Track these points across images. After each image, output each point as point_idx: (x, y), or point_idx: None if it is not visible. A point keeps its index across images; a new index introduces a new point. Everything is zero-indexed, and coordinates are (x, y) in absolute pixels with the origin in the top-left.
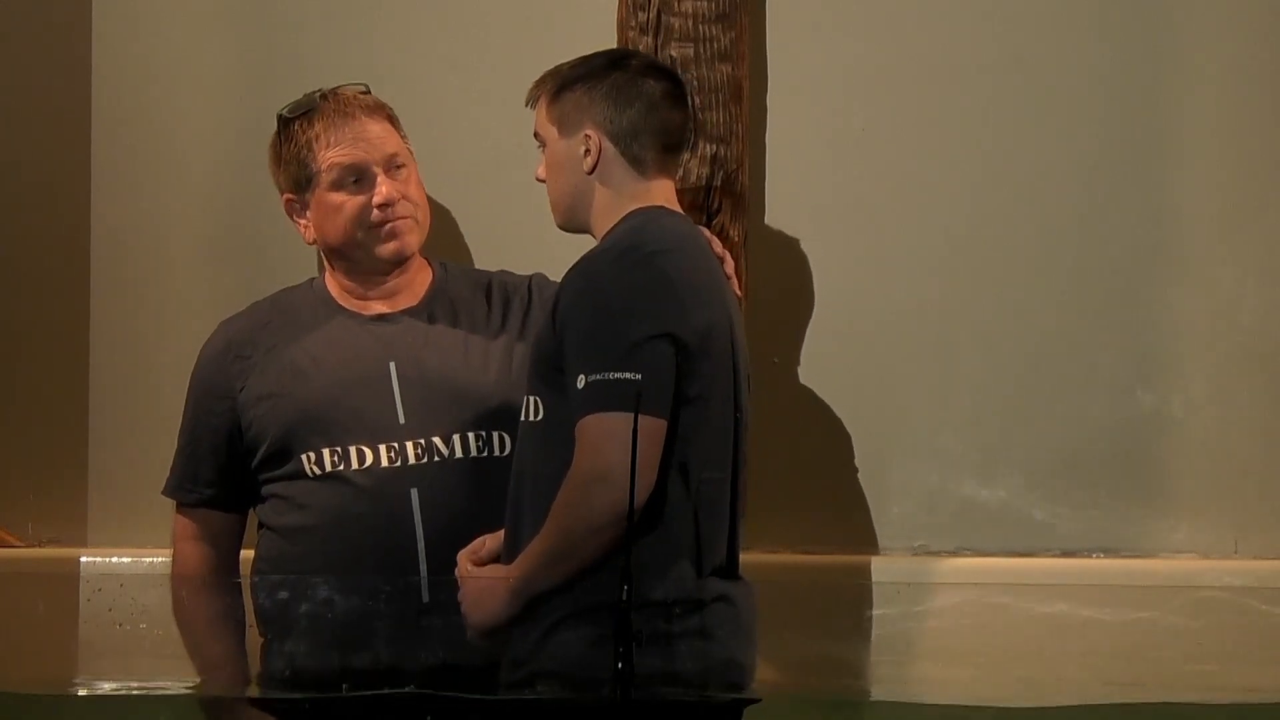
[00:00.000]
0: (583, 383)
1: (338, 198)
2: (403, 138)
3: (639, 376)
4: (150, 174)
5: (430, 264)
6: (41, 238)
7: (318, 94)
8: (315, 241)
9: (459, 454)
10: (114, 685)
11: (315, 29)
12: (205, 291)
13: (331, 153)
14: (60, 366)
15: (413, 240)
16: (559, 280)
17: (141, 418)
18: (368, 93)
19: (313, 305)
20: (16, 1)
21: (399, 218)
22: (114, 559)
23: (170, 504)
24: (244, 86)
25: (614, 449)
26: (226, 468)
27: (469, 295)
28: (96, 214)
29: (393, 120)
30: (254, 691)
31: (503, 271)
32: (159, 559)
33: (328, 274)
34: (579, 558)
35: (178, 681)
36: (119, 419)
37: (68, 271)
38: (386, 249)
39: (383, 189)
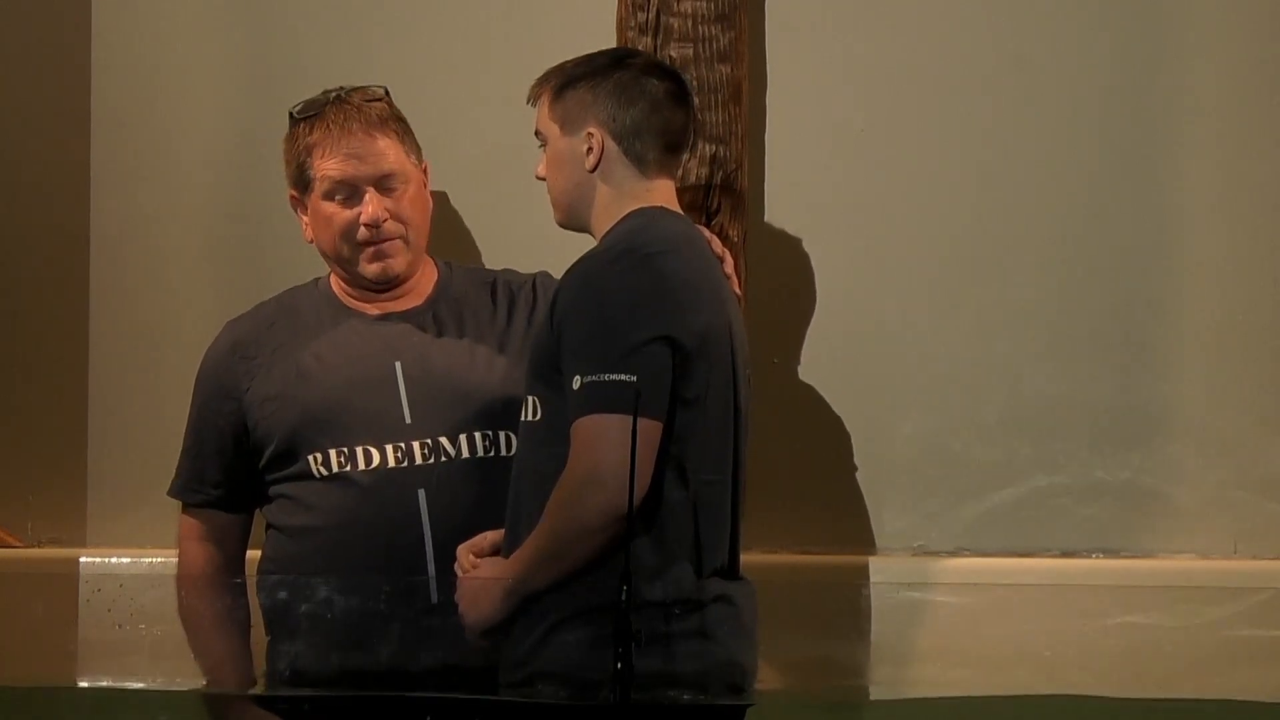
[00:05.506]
0: (579, 384)
1: (329, 208)
2: (408, 152)
3: (635, 379)
4: (150, 174)
5: (435, 263)
6: (41, 238)
7: (332, 94)
8: (312, 241)
9: (465, 454)
10: (113, 686)
11: (315, 29)
12: (205, 291)
13: (325, 164)
14: (60, 366)
15: (399, 262)
16: None
17: (141, 418)
18: (384, 98)
19: (317, 305)
20: (16, 1)
21: (385, 239)
22: (113, 559)
23: (172, 504)
24: (244, 86)
25: (608, 450)
26: (233, 468)
27: (474, 295)
28: (96, 214)
29: (400, 134)
30: (257, 690)
31: (507, 270)
32: (159, 559)
33: (332, 273)
34: (572, 558)
35: (177, 682)
36: (119, 419)
37: (68, 271)
38: (371, 269)
39: (369, 208)
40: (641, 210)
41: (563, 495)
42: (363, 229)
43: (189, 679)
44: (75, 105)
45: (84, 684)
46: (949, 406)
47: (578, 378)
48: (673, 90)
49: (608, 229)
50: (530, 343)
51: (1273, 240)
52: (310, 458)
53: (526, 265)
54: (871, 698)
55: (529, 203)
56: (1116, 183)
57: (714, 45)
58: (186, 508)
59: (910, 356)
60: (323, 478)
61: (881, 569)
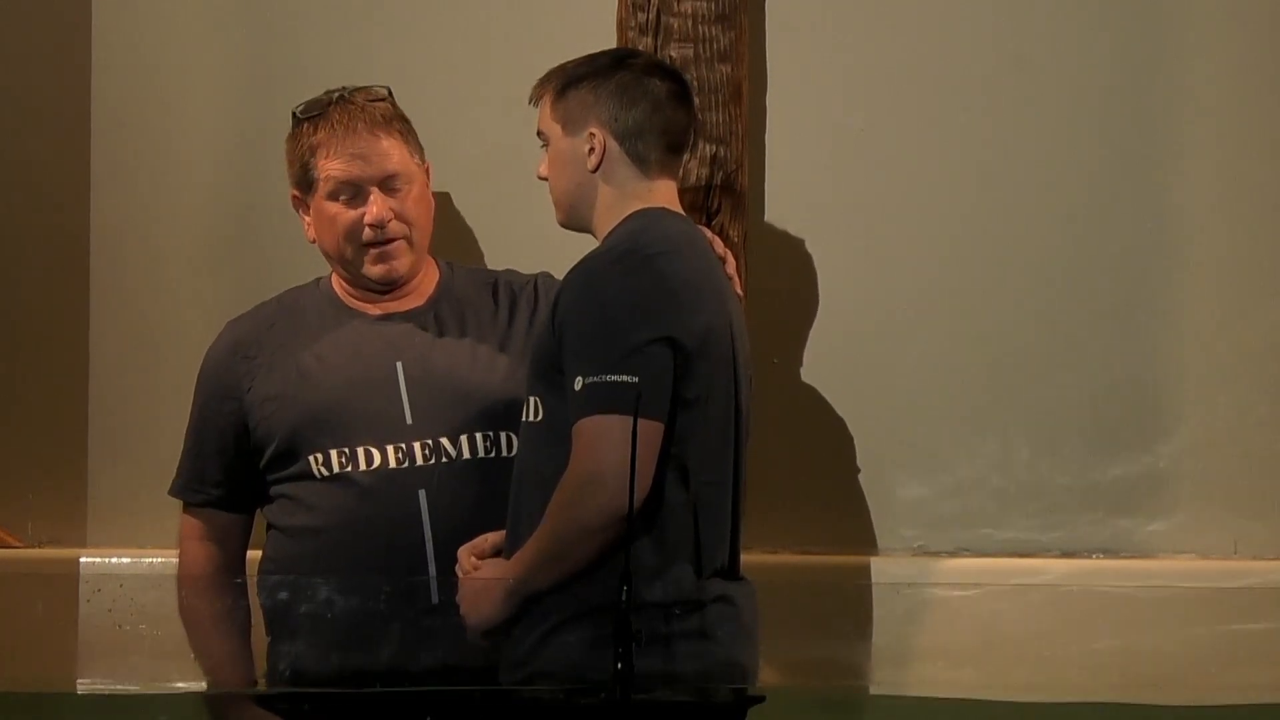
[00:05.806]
0: (580, 385)
1: (332, 208)
2: (411, 152)
3: (636, 379)
4: (150, 174)
5: (436, 263)
6: (41, 238)
7: (335, 94)
8: (315, 241)
9: (466, 455)
10: (113, 686)
11: (316, 29)
12: (205, 291)
13: (329, 164)
14: (60, 367)
15: (403, 263)
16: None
17: (141, 418)
18: (387, 98)
19: (319, 305)
20: (16, 1)
21: (390, 239)
22: (114, 559)
23: (173, 504)
24: (244, 87)
25: (609, 451)
26: (234, 468)
27: (475, 295)
28: (96, 214)
29: (404, 134)
30: (258, 689)
31: (508, 271)
32: (159, 559)
33: (334, 273)
34: (573, 559)
35: (177, 682)
36: (119, 419)
37: (68, 271)
38: (375, 270)
39: (373, 208)
40: (643, 211)
41: (564, 496)
42: (367, 229)
43: (189, 679)
44: (75, 105)
45: (84, 684)
46: (949, 406)
47: (579, 378)
48: (674, 90)
49: (609, 229)
50: (531, 343)
51: (1273, 240)
52: (311, 458)
53: (528, 265)
54: (871, 697)
55: (530, 203)
56: (1116, 183)
57: (714, 45)
58: (187, 507)
59: (910, 356)
60: (323, 478)
61: (881, 569)
